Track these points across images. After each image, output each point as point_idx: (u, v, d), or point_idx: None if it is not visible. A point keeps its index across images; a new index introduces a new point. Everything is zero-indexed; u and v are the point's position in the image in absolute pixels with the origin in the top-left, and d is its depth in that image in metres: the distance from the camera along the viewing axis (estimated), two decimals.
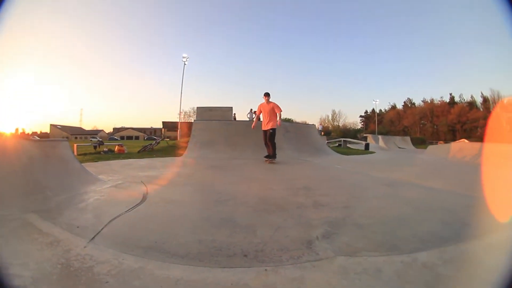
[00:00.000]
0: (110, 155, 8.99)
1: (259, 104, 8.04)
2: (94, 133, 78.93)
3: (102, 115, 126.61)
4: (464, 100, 68.30)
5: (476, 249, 2.07)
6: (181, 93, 42.12)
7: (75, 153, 8.40)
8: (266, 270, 1.54)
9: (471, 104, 66.40)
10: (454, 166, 8.33)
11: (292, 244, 1.89)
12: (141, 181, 4.05)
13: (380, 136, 27.46)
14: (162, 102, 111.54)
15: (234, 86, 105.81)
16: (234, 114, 18.84)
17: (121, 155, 9.11)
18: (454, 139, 49.41)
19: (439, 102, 68.88)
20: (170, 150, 10.59)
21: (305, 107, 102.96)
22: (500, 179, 5.83)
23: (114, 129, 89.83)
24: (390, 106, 76.06)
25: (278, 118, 7.64)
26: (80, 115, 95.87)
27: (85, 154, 8.79)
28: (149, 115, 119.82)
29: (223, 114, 15.37)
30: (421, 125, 68.44)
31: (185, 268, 1.54)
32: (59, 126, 74.41)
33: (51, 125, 73.23)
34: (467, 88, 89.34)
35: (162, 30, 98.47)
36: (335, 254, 1.78)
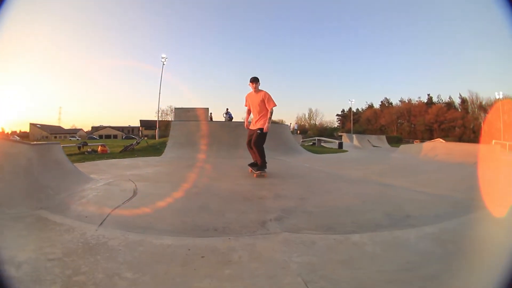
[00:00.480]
0: (94, 155, 9.38)
1: (246, 94, 6.04)
2: (73, 132, 78.26)
3: (81, 114, 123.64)
4: (442, 100, 71.30)
5: (409, 236, 2.46)
6: (160, 93, 42.43)
7: None
8: (229, 239, 2.19)
9: (449, 105, 69.27)
10: (422, 165, 9.06)
11: (251, 223, 2.57)
12: (129, 179, 4.63)
13: (354, 135, 28.32)
14: (139, 100, 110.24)
15: (211, 85, 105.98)
16: (211, 113, 19.39)
17: (104, 155, 9.53)
18: (431, 138, 51.71)
19: (417, 102, 71.62)
20: (150, 150, 11.16)
21: (282, 105, 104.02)
22: (459, 176, 6.57)
23: (92, 127, 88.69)
24: (367, 105, 78.40)
25: (267, 119, 5.64)
26: (59, 114, 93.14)
27: (70, 155, 9.03)
28: (126, 113, 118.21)
29: (200, 115, 15.93)
30: (398, 124, 70.93)
31: (174, 238, 2.17)
32: (38, 125, 72.26)
33: (30, 124, 71.07)
34: (446, 90, 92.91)
35: (140, 29, 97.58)
36: (282, 231, 2.39)
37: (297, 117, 78.82)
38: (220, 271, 1.67)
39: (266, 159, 5.72)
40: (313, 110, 79.61)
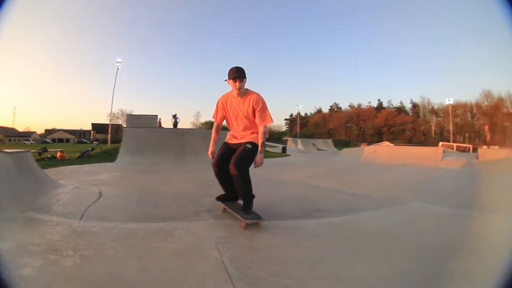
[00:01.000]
0: (54, 161, 9.99)
1: (220, 97, 3.82)
2: (27, 135, 76.13)
3: (35, 114, 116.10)
4: (392, 105, 77.25)
5: (309, 225, 3.35)
6: (113, 98, 41.54)
7: None
8: (173, 223, 3.37)
9: (400, 109, 75.27)
10: (358, 167, 10.25)
11: (189, 213, 3.79)
12: (93, 184, 5.59)
13: (299, 139, 29.53)
14: (91, 103, 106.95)
15: (162, 90, 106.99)
16: (160, 119, 20.05)
17: (64, 161, 10.15)
18: (380, 140, 56.11)
19: (367, 107, 76.67)
20: (105, 156, 12.08)
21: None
22: (387, 177, 7.70)
23: (46, 130, 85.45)
24: (315, 110, 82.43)
25: (260, 138, 3.60)
26: (13, 114, 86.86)
27: None
28: (78, 115, 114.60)
29: (149, 122, 16.69)
30: (347, 128, 75.41)
31: (135, 223, 3.30)
32: None
33: None
34: (397, 96, 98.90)
35: (96, 32, 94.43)
36: (210, 218, 3.62)
37: None
38: (166, 240, 2.84)
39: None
40: None
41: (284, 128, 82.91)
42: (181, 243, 2.75)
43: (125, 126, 19.89)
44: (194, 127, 65.79)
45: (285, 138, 37.93)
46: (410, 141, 59.89)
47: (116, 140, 24.67)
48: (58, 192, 4.72)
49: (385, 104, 77.89)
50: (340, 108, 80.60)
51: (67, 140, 77.50)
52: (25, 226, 3.11)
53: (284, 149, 22.17)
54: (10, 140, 68.43)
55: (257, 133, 3.68)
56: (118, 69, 41.34)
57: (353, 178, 7.52)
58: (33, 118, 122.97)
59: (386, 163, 11.83)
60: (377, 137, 68.24)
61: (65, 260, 2.23)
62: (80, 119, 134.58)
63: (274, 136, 59.83)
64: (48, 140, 68.03)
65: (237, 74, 3.50)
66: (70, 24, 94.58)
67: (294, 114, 79.61)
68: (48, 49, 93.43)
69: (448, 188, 6.60)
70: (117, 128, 42.31)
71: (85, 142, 41.07)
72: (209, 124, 64.05)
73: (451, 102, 60.79)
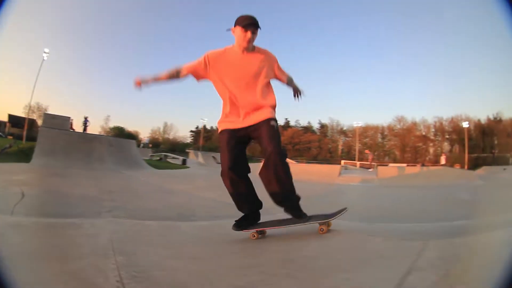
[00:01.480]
0: None
1: (209, 52, 2.82)
2: None
3: None
4: (300, 125, 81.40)
5: (182, 225, 4.03)
6: (33, 90, 37.48)
7: None
8: (80, 219, 5.05)
9: (307, 129, 79.74)
10: None
11: (92, 212, 4.82)
12: (15, 184, 6.72)
13: (200, 153, 30.64)
14: (8, 91, 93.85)
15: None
16: (71, 121, 20.39)
17: None
18: None
19: None
20: (21, 155, 12.49)
21: (137, 119, 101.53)
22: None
23: None
24: None
25: (291, 84, 3.12)
26: None
27: None
28: None
29: (62, 123, 17.10)
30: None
31: (56, 219, 4.00)
32: None
33: None
34: (306, 117, 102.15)
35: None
36: (110, 217, 4.34)
37: (152, 130, 78.99)
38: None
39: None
40: (169, 124, 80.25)
41: (189, 139, 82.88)
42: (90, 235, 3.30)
43: (40, 123, 19.59)
44: (103, 132, 62.57)
45: (187, 150, 37.97)
46: (315, 159, 64.73)
47: (31, 136, 23.57)
48: None
49: (292, 123, 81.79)
50: None
51: None
52: None
53: (184, 161, 22.86)
54: None
55: (271, 106, 2.85)
56: (44, 59, 38.32)
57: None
58: None
59: None
60: None
61: None
62: None
63: (178, 148, 59.46)
64: None
65: (252, 21, 2.62)
66: None
67: (200, 126, 78.12)
68: None
69: (324, 201, 7.73)
70: (31, 123, 39.05)
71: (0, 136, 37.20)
72: (117, 130, 62.15)
73: (360, 124, 69.25)
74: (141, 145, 38.82)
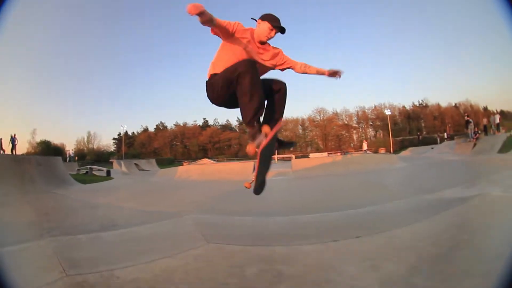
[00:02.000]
0: None
1: (240, 24, 2.71)
2: None
3: None
4: (218, 123, 79.63)
5: (109, 234, 4.15)
6: None
7: None
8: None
9: (225, 127, 78.24)
10: (167, 187, 11.58)
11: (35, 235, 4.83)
12: None
13: (122, 161, 29.35)
14: None
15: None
16: (1, 141, 19.21)
17: None
18: (205, 156, 59.23)
19: (192, 125, 77.51)
20: None
21: (63, 129, 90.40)
22: (188, 193, 9.18)
23: None
24: (142, 129, 78.64)
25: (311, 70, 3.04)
26: None
27: None
28: None
29: None
30: (172, 146, 75.26)
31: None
32: None
33: None
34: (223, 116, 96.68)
35: None
36: (49, 237, 4.27)
37: (76, 141, 70.74)
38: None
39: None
40: (92, 133, 72.98)
41: (112, 148, 76.13)
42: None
43: None
44: (31, 148, 57.07)
45: (111, 160, 36.00)
46: (236, 155, 64.04)
47: None
48: None
49: (210, 123, 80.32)
50: (166, 127, 79.13)
51: None
52: None
53: (108, 172, 21.88)
54: None
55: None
56: None
57: (156, 198, 8.91)
58: None
59: (198, 179, 13.22)
60: (202, 153, 69.55)
61: None
62: None
63: (103, 157, 56.30)
64: None
65: (281, 25, 2.82)
66: None
67: (122, 132, 71.28)
68: None
69: (230, 198, 8.14)
70: None
71: None
72: (43, 144, 56.20)
73: None
74: (68, 158, 36.08)
